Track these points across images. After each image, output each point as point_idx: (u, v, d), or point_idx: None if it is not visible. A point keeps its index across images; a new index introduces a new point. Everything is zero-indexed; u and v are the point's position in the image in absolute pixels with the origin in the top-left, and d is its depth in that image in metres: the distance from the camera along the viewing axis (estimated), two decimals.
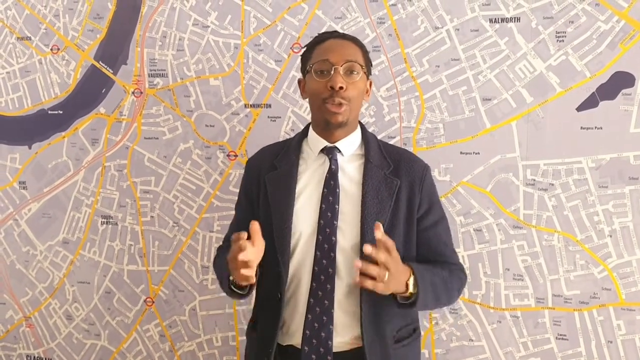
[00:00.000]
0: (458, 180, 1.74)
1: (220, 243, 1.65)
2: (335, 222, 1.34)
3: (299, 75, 1.82)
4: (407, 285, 1.25)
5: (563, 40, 1.63)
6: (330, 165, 1.39)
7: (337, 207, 1.35)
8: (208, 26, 1.92)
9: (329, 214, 1.35)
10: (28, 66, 2.12)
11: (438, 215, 1.45)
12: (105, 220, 2.10)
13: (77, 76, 2.07)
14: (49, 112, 2.12)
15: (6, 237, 2.22)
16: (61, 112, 2.11)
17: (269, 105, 1.89)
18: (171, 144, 2.00)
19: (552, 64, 1.65)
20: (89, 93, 2.06)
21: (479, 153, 1.72)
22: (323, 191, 1.37)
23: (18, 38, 2.12)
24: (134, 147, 2.03)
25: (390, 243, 1.17)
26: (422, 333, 1.78)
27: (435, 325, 1.80)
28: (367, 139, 1.45)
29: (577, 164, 1.65)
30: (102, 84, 2.05)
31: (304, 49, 1.45)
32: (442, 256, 1.45)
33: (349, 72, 1.35)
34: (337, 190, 1.37)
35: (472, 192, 1.73)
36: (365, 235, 1.32)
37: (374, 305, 1.34)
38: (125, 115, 2.04)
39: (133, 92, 2.02)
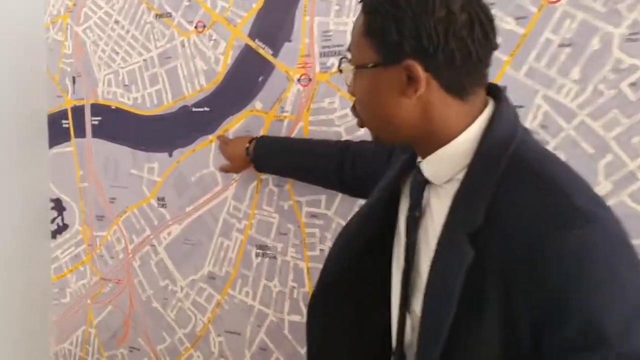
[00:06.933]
0: None
1: None
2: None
3: None
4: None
5: None
6: (411, 197, 0.89)
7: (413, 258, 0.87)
8: None
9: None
10: (168, 51, 1.67)
11: (572, 331, 0.67)
12: (261, 251, 1.58)
13: (227, 61, 1.58)
14: (193, 109, 1.65)
15: (142, 267, 1.79)
16: (208, 109, 1.63)
17: None
18: None
19: None
20: (241, 83, 1.56)
21: None
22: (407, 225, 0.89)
23: (157, 15, 1.68)
24: None
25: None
26: None
27: None
28: (481, 156, 0.78)
29: None
30: (258, 71, 1.53)
31: None
32: None
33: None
34: (415, 235, 0.87)
35: None
36: (424, 330, 0.79)
37: None
38: (288, 111, 1.50)
39: (299, 80, 1.48)
